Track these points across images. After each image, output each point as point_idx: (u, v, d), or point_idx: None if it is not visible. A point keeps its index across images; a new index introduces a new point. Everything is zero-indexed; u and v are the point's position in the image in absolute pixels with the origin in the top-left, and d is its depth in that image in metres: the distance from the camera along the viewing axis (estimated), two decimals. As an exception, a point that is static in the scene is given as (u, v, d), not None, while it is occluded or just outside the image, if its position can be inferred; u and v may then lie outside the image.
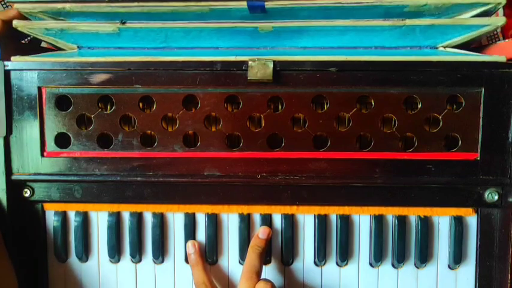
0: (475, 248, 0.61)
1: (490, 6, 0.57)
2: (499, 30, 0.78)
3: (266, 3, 0.56)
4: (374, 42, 0.62)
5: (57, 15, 0.60)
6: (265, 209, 0.61)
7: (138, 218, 0.62)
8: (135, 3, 0.58)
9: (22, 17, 0.61)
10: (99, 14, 0.59)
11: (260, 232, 0.60)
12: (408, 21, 0.57)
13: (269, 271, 0.62)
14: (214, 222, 0.61)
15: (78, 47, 0.64)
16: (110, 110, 0.59)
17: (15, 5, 0.59)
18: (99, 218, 0.62)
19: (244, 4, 0.57)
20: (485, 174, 0.58)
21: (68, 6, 0.58)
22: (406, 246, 0.61)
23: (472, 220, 0.61)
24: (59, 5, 0.58)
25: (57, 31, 0.60)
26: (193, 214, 0.62)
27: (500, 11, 0.72)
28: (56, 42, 0.63)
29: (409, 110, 0.58)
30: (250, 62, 0.57)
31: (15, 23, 0.59)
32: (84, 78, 0.58)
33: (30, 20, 0.61)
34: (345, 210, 0.61)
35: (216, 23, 0.59)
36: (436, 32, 0.59)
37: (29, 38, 0.69)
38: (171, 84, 0.58)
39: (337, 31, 0.59)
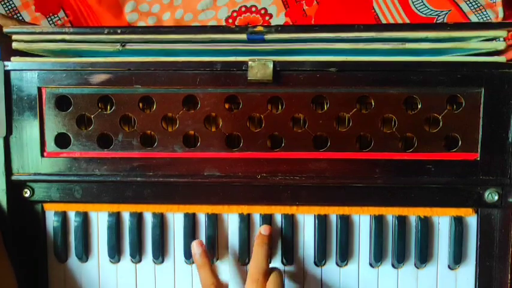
0: (475, 248, 0.61)
1: (490, 37, 0.56)
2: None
3: (266, 36, 0.56)
4: (373, 57, 0.61)
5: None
6: (265, 209, 0.61)
7: (138, 218, 0.62)
8: (135, 36, 0.57)
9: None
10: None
11: (262, 229, 0.60)
12: (408, 45, 0.56)
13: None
14: (214, 222, 0.61)
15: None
16: (110, 110, 0.59)
17: (13, 37, 0.58)
18: (99, 218, 0.62)
19: (244, 37, 0.56)
20: (485, 174, 0.58)
21: (67, 37, 0.58)
22: (406, 247, 0.61)
23: (472, 220, 0.61)
24: (58, 36, 0.58)
25: (57, 51, 0.60)
26: (193, 214, 0.62)
27: (500, 12, 0.72)
28: (57, 56, 0.63)
29: (409, 110, 0.58)
30: (250, 62, 0.57)
31: (14, 45, 0.59)
32: (84, 79, 0.58)
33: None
34: (345, 210, 0.61)
35: (216, 45, 0.58)
36: (437, 52, 0.59)
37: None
38: (171, 84, 0.58)
39: (337, 53, 0.59)
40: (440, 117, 0.58)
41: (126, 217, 0.62)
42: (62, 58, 0.60)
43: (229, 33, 0.57)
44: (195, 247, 0.59)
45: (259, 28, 0.56)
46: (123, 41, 0.58)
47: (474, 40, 0.57)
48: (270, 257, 0.60)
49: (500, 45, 0.56)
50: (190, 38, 0.57)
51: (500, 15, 0.75)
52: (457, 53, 0.60)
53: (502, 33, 0.55)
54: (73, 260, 0.63)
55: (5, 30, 0.58)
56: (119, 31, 0.57)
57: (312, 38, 0.57)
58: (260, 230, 0.60)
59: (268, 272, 0.57)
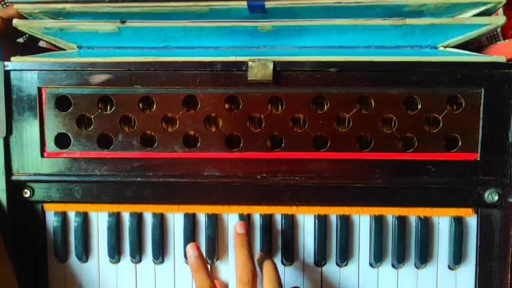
0: (475, 248, 0.61)
1: (490, 5, 0.57)
2: (499, 30, 0.78)
3: (266, 3, 0.56)
4: (374, 42, 0.62)
5: (57, 15, 0.60)
6: (265, 209, 0.61)
7: (138, 219, 0.62)
8: (135, 4, 0.58)
9: (21, 17, 0.61)
10: (99, 14, 0.59)
11: (237, 228, 0.58)
12: (408, 21, 0.57)
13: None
14: (214, 222, 0.61)
15: (78, 46, 0.64)
16: (110, 110, 0.59)
17: (15, 6, 0.59)
18: (99, 218, 0.62)
19: (244, 4, 0.57)
20: (485, 174, 0.58)
21: (68, 6, 0.58)
22: (406, 247, 0.61)
23: (472, 220, 0.61)
24: (59, 5, 0.58)
25: (57, 30, 0.60)
26: (193, 214, 0.62)
27: (500, 12, 0.72)
28: (55, 41, 0.63)
29: (409, 111, 0.58)
30: (250, 63, 0.56)
31: (15, 22, 0.59)
32: (84, 79, 0.58)
33: (29, 19, 0.61)
34: (345, 210, 0.61)
35: (215, 22, 0.59)
36: (436, 31, 0.59)
37: (26, 36, 0.69)
38: (171, 84, 0.58)
39: (336, 30, 0.59)
40: (440, 118, 0.58)
41: (126, 217, 0.62)
42: (62, 58, 0.60)
43: (230, 0, 0.57)
44: (190, 250, 0.58)
45: None
46: (124, 12, 0.57)
47: (473, 10, 0.57)
48: (253, 255, 0.58)
49: (499, 20, 0.56)
50: (191, 5, 0.57)
51: (500, 15, 0.75)
52: (457, 35, 0.60)
53: None
54: (73, 260, 0.63)
55: None
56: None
57: (312, 6, 0.56)
58: (236, 229, 0.59)
59: (255, 271, 0.56)
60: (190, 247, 0.59)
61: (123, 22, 0.58)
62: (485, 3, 0.57)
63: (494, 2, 0.56)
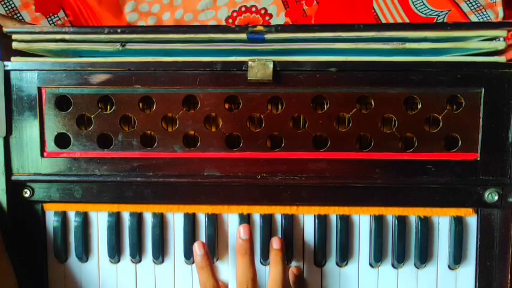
0: (475, 248, 0.61)
1: (490, 36, 0.56)
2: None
3: (266, 35, 0.56)
4: (373, 56, 0.61)
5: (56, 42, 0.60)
6: (265, 209, 0.61)
7: (138, 218, 0.62)
8: (135, 35, 0.57)
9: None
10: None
11: (241, 233, 0.58)
12: (408, 45, 0.56)
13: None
14: (214, 222, 0.61)
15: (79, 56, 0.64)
16: (110, 110, 0.59)
17: (13, 36, 0.58)
18: (99, 218, 0.62)
19: (244, 37, 0.56)
20: (485, 174, 0.58)
21: (67, 37, 0.57)
22: (406, 247, 0.61)
23: (472, 220, 0.61)
24: (58, 36, 0.57)
25: (57, 51, 0.60)
26: (193, 214, 0.62)
27: (500, 12, 0.72)
28: (56, 56, 0.63)
29: (409, 110, 0.58)
30: (250, 62, 0.57)
31: (15, 45, 0.59)
32: (84, 79, 0.58)
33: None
34: (344, 210, 0.61)
35: (216, 45, 0.58)
36: (437, 52, 0.59)
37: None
38: (171, 84, 0.58)
39: (336, 52, 0.59)
40: (440, 117, 0.58)
41: (126, 217, 0.62)
42: (62, 58, 0.60)
43: (229, 33, 0.57)
44: (197, 248, 0.59)
45: (259, 28, 0.56)
46: (123, 41, 0.58)
47: (474, 40, 0.57)
48: (254, 261, 0.58)
49: (500, 45, 0.56)
50: (190, 37, 0.57)
51: (500, 15, 0.75)
52: (457, 53, 0.60)
53: (502, 33, 0.55)
54: (73, 260, 0.63)
55: (4, 30, 0.58)
56: (119, 30, 0.57)
57: (312, 38, 0.56)
58: (239, 233, 0.58)
59: (255, 277, 0.57)
60: (197, 245, 0.59)
61: (123, 45, 0.58)
62: (486, 36, 0.56)
63: (495, 35, 0.56)
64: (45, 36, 0.58)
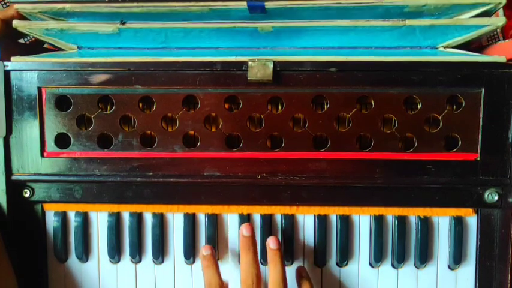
0: (475, 248, 0.61)
1: (490, 6, 0.57)
2: (499, 30, 0.78)
3: (266, 3, 0.56)
4: (374, 42, 0.62)
5: (57, 15, 0.60)
6: (265, 209, 0.61)
7: (138, 218, 0.62)
8: (135, 4, 0.58)
9: (21, 17, 0.61)
10: (99, 14, 0.59)
11: (244, 230, 0.58)
12: (408, 22, 0.57)
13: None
14: (214, 222, 0.61)
15: (78, 47, 0.64)
16: (110, 110, 0.59)
17: (15, 5, 0.59)
18: (99, 218, 0.62)
19: (244, 4, 0.57)
20: (485, 174, 0.58)
21: (67, 6, 0.58)
22: (406, 247, 0.61)
23: (472, 220, 0.61)
24: (59, 5, 0.58)
25: (57, 31, 0.60)
26: (193, 214, 0.62)
27: (501, 12, 0.72)
28: (55, 42, 0.63)
29: (409, 110, 0.58)
30: (250, 62, 0.56)
31: (15, 23, 0.59)
32: (84, 79, 0.58)
33: (29, 20, 0.61)
34: (344, 210, 0.61)
35: (215, 23, 0.59)
36: (436, 32, 0.59)
37: (30, 38, 0.69)
38: (171, 84, 0.58)
39: (336, 31, 0.59)
40: (440, 118, 0.58)
41: (126, 217, 0.62)
42: (62, 58, 0.60)
43: (229, 0, 0.57)
44: (204, 249, 0.59)
45: None
46: (124, 12, 0.57)
47: (473, 11, 0.57)
48: (258, 258, 0.59)
49: (499, 21, 0.56)
50: (190, 5, 0.57)
51: (500, 15, 0.75)
52: (457, 36, 0.60)
53: None
54: (73, 260, 0.63)
55: None
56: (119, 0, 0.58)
57: (313, 6, 0.56)
58: (242, 231, 0.58)
59: (260, 274, 0.57)
60: (204, 246, 0.59)
61: (123, 23, 0.58)
62: (485, 4, 0.57)
63: (494, 3, 0.56)
64: (47, 5, 0.58)
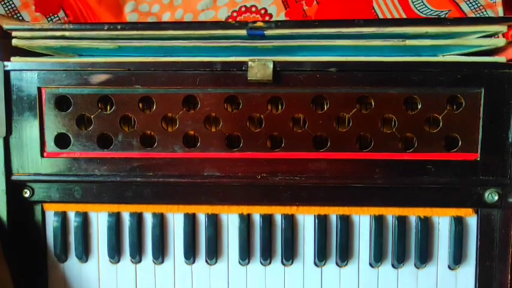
0: (475, 248, 0.61)
1: (490, 32, 0.56)
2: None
3: (266, 32, 0.56)
4: (373, 55, 0.61)
5: (57, 39, 0.60)
6: (265, 209, 0.61)
7: (138, 219, 0.62)
8: (134, 32, 0.57)
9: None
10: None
11: None
12: (408, 42, 0.56)
13: (269, 272, 0.62)
14: (214, 222, 0.61)
15: (78, 55, 0.63)
16: (110, 110, 0.59)
17: (13, 33, 0.58)
18: (99, 218, 0.62)
19: (244, 33, 0.56)
20: (485, 174, 0.58)
21: (67, 34, 0.57)
22: (406, 247, 0.61)
23: (472, 220, 0.61)
24: (58, 33, 0.57)
25: (57, 48, 0.60)
26: (193, 214, 0.62)
27: (500, 12, 0.72)
28: (56, 54, 0.63)
29: (409, 110, 0.58)
30: (250, 63, 0.56)
31: (14, 42, 0.58)
32: (84, 79, 0.58)
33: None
34: (345, 210, 0.61)
35: (215, 42, 0.57)
36: (437, 49, 0.59)
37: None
38: (171, 84, 0.58)
39: (336, 48, 0.58)
40: (440, 118, 0.58)
41: (126, 217, 0.62)
42: (62, 58, 0.60)
43: (229, 29, 0.56)
44: None
45: (259, 24, 0.56)
46: (123, 38, 0.57)
47: (474, 36, 0.56)
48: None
49: (500, 41, 0.56)
50: (190, 34, 0.57)
51: (500, 15, 0.75)
52: (457, 51, 0.60)
53: (502, 28, 0.55)
54: (73, 260, 0.63)
55: (5, 27, 0.58)
56: (118, 27, 0.57)
57: (312, 34, 0.56)
58: None
59: None
60: None
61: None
62: (486, 31, 0.56)
63: (495, 31, 0.55)
64: (46, 33, 0.58)
